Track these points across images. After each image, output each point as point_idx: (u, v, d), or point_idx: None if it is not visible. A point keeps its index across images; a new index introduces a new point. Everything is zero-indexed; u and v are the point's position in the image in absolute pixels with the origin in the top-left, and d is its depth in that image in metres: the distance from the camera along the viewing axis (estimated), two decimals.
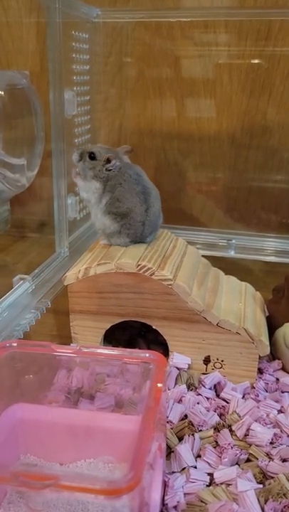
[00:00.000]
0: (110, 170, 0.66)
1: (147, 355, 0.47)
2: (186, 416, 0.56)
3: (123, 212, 0.66)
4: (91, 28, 0.86)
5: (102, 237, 0.71)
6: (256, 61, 0.88)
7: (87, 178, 0.68)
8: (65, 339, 0.68)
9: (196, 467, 0.50)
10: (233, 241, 0.88)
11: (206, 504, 0.45)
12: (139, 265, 0.62)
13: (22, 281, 0.67)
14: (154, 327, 0.65)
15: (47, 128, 0.76)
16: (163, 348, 0.66)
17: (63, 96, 0.73)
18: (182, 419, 0.56)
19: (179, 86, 0.92)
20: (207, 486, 0.48)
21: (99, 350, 0.50)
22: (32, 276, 0.69)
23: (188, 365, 0.64)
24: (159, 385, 0.43)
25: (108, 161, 0.66)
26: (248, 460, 0.51)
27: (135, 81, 0.93)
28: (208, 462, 0.50)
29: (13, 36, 0.95)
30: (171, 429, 0.54)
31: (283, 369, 0.66)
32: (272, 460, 0.50)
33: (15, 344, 0.49)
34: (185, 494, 0.47)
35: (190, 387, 0.62)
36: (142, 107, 0.95)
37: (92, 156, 0.67)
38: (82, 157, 0.68)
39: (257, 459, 0.50)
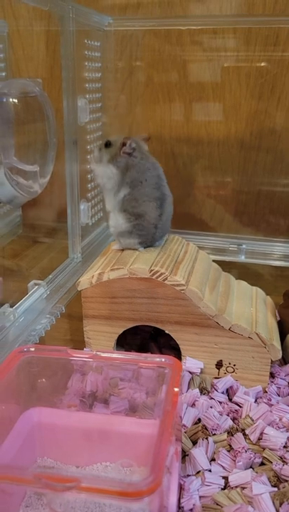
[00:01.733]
0: (128, 153, 0.67)
1: (163, 359, 0.48)
2: (199, 420, 0.57)
3: (138, 213, 0.68)
4: (102, 36, 0.87)
5: (113, 242, 0.72)
6: (264, 66, 0.88)
7: (102, 161, 0.69)
8: (79, 344, 0.69)
9: (210, 471, 0.51)
10: (244, 246, 0.89)
11: (221, 507, 0.46)
12: (152, 270, 0.63)
13: (37, 287, 0.68)
14: (166, 332, 0.66)
15: (59, 135, 0.77)
16: (175, 352, 0.67)
17: (76, 103, 0.74)
18: (196, 423, 0.57)
19: (188, 91, 0.93)
20: (222, 489, 0.49)
21: (115, 355, 0.51)
22: (46, 282, 0.70)
23: (201, 369, 0.64)
24: (176, 389, 0.43)
25: (124, 144, 0.67)
26: (262, 464, 0.52)
27: (145, 87, 0.94)
28: (222, 466, 0.51)
29: (23, 44, 0.97)
30: (185, 432, 0.55)
31: None
32: (287, 464, 0.50)
33: (32, 349, 0.50)
34: (200, 497, 0.47)
35: (203, 391, 0.62)
36: (151, 112, 0.96)
37: (107, 144, 0.69)
38: (99, 148, 0.71)
39: (271, 462, 0.51)
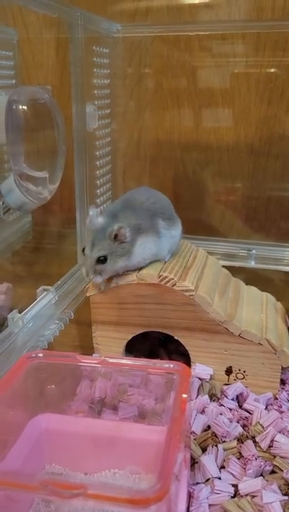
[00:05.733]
0: (125, 240, 0.62)
1: (172, 365, 0.48)
2: (209, 427, 0.57)
3: None
4: (111, 43, 0.88)
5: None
6: (274, 71, 0.88)
7: (116, 263, 0.62)
8: (88, 350, 0.69)
9: (220, 478, 0.50)
10: (254, 251, 0.88)
11: None
12: (160, 276, 0.62)
13: (45, 293, 0.68)
14: (175, 338, 0.65)
15: (68, 141, 0.77)
16: (184, 358, 0.67)
17: (85, 110, 0.74)
18: (205, 430, 0.56)
19: (197, 97, 0.93)
20: (232, 497, 0.48)
21: (123, 361, 0.50)
22: (55, 288, 0.70)
23: (211, 375, 0.64)
24: (184, 395, 0.43)
25: (116, 236, 0.61)
26: (272, 472, 0.51)
27: (153, 93, 0.94)
28: (232, 473, 0.51)
29: (33, 52, 0.97)
30: (195, 439, 0.54)
31: None
32: None
33: (41, 355, 0.50)
34: (210, 505, 0.47)
35: (212, 397, 0.62)
36: (160, 119, 0.96)
37: (102, 260, 0.60)
38: (99, 272, 0.61)
39: (282, 470, 0.50)
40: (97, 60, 0.82)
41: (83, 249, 0.62)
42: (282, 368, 0.62)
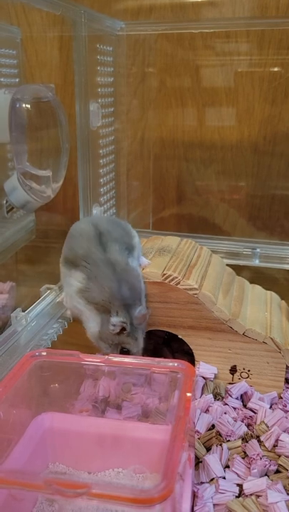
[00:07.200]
0: (123, 327, 0.58)
1: (176, 364, 0.47)
2: (213, 426, 0.56)
3: None
4: (115, 41, 0.87)
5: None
6: (278, 70, 0.88)
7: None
8: (91, 349, 0.68)
9: (224, 478, 0.50)
10: (258, 250, 0.88)
11: None
12: (164, 274, 0.62)
13: (49, 291, 0.68)
14: (179, 336, 0.65)
15: (72, 139, 0.77)
16: (188, 357, 0.66)
17: (89, 108, 0.74)
18: (209, 429, 0.56)
19: (201, 95, 0.92)
20: (236, 497, 0.48)
21: (127, 360, 0.50)
22: (58, 286, 0.70)
23: (215, 374, 0.63)
24: (189, 394, 0.43)
25: (121, 330, 0.58)
26: (277, 471, 0.51)
27: (157, 91, 0.94)
28: (236, 473, 0.50)
29: (37, 50, 0.97)
30: (199, 439, 0.54)
31: None
32: None
33: (44, 353, 0.50)
34: (214, 505, 0.46)
35: (216, 396, 0.61)
36: (163, 117, 0.96)
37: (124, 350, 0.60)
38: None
39: (287, 470, 0.50)
40: (101, 58, 0.82)
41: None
42: (287, 367, 0.62)
